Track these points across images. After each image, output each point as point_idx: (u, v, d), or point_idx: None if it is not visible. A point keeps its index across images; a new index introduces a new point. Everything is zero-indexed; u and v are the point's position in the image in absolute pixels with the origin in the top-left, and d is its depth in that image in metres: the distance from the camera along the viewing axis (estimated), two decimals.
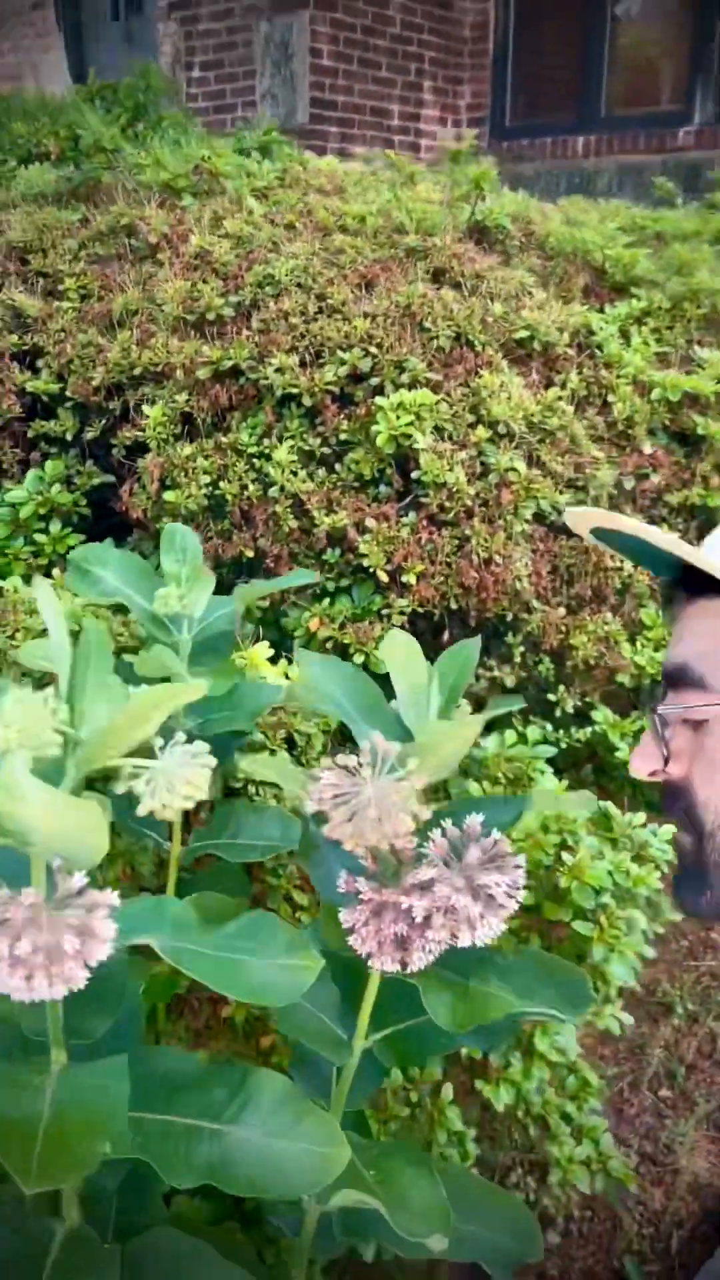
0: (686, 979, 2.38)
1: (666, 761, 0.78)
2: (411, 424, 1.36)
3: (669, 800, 0.80)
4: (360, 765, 0.80)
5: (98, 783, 1.08)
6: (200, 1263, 0.90)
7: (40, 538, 1.55)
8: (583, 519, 0.83)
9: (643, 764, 0.79)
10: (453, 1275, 1.24)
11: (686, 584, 0.79)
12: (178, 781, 0.72)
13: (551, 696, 1.48)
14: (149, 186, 1.89)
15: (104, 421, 1.58)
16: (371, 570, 1.35)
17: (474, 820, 0.86)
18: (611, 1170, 1.57)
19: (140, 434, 1.47)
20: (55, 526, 1.56)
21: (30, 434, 1.64)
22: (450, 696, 0.89)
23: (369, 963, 0.86)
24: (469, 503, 1.37)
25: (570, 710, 1.47)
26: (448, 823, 0.87)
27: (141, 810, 0.73)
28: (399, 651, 0.87)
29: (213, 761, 0.74)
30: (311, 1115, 0.79)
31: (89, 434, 1.58)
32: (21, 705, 0.66)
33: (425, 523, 1.37)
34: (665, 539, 0.71)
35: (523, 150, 5.75)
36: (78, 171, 2.06)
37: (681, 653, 0.76)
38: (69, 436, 1.62)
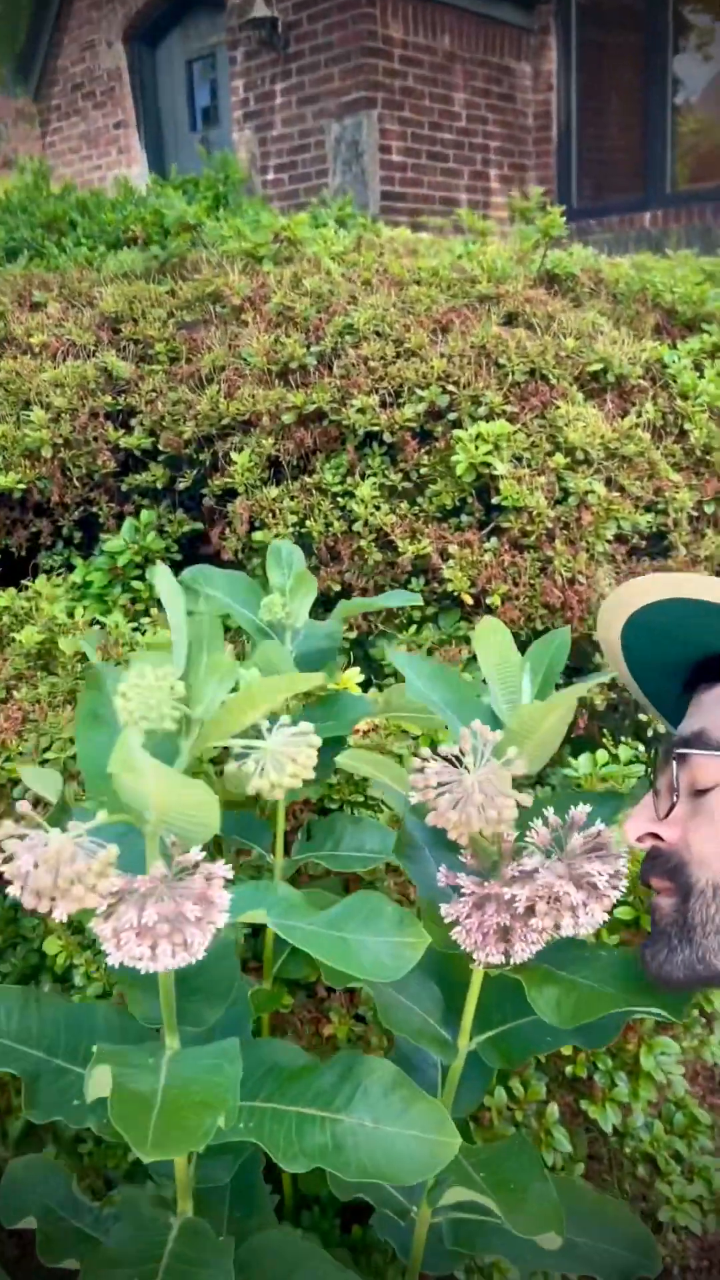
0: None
1: (668, 814, 0.81)
2: (490, 453, 1.40)
3: (650, 864, 0.83)
4: (461, 754, 0.82)
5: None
6: (314, 1266, 0.90)
7: (137, 584, 1.62)
8: (641, 592, 0.86)
9: (638, 827, 0.83)
10: None
11: (711, 674, 0.85)
12: (285, 761, 0.75)
13: (642, 717, 1.48)
14: (231, 256, 1.99)
15: (195, 472, 1.65)
16: (456, 595, 1.38)
17: (578, 809, 0.87)
18: None
19: (229, 480, 1.54)
20: (150, 573, 1.62)
21: (124, 488, 1.71)
22: (543, 685, 0.90)
23: (473, 956, 0.87)
24: (549, 525, 1.40)
25: (660, 730, 1.47)
26: (549, 811, 0.88)
27: (250, 789, 0.76)
28: (490, 639, 0.89)
29: (318, 741, 0.77)
30: (421, 1101, 0.80)
31: (181, 484, 1.65)
32: (142, 681, 0.70)
33: (507, 547, 1.40)
34: None
35: (590, 229, 5.89)
36: (163, 250, 2.18)
37: (699, 722, 0.82)
38: (160, 487, 1.69)
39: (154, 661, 0.70)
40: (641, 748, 1.48)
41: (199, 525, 1.66)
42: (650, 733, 1.48)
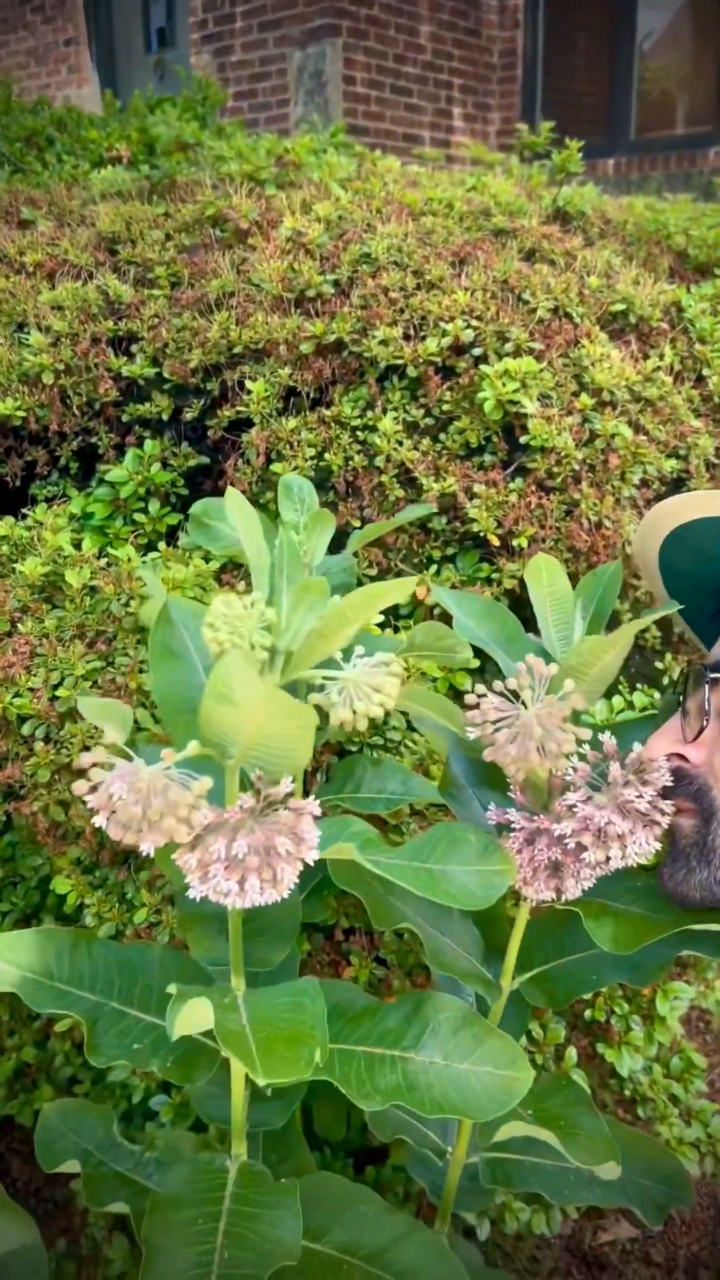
0: None
1: (697, 736, 0.81)
2: (518, 390, 1.36)
3: (674, 785, 0.82)
4: (519, 689, 0.80)
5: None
6: (364, 1206, 0.89)
7: (140, 517, 1.56)
8: (672, 513, 0.86)
9: (664, 746, 0.83)
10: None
11: None
12: (369, 690, 0.73)
13: (659, 664, 1.47)
14: (232, 179, 1.92)
15: (202, 402, 1.59)
16: (481, 535, 1.35)
17: (608, 739, 0.86)
18: None
19: (242, 410, 1.49)
20: (155, 506, 1.57)
21: (125, 418, 1.65)
22: (595, 619, 0.88)
23: (523, 893, 0.85)
24: (576, 467, 1.37)
25: (676, 677, 1.47)
26: (586, 747, 0.87)
27: (334, 721, 0.73)
28: (543, 573, 0.87)
29: (400, 669, 0.74)
30: (493, 1038, 0.79)
31: (187, 415, 1.60)
32: (229, 609, 0.67)
33: (533, 488, 1.37)
34: None
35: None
36: (155, 170, 2.09)
37: None
38: (164, 418, 1.63)
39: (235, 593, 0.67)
40: (657, 695, 1.48)
41: (204, 459, 1.61)
42: (665, 680, 1.47)
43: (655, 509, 0.86)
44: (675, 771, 0.82)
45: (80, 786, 0.64)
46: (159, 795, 0.64)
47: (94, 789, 0.64)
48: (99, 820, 0.64)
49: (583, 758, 0.84)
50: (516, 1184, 1.00)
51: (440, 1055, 0.79)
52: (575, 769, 0.83)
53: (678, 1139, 1.50)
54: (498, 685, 0.81)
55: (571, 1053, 1.28)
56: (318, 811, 0.69)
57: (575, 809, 0.81)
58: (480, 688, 0.82)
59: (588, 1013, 1.29)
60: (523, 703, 0.79)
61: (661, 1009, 1.31)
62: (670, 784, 0.80)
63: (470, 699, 0.80)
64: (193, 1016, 0.66)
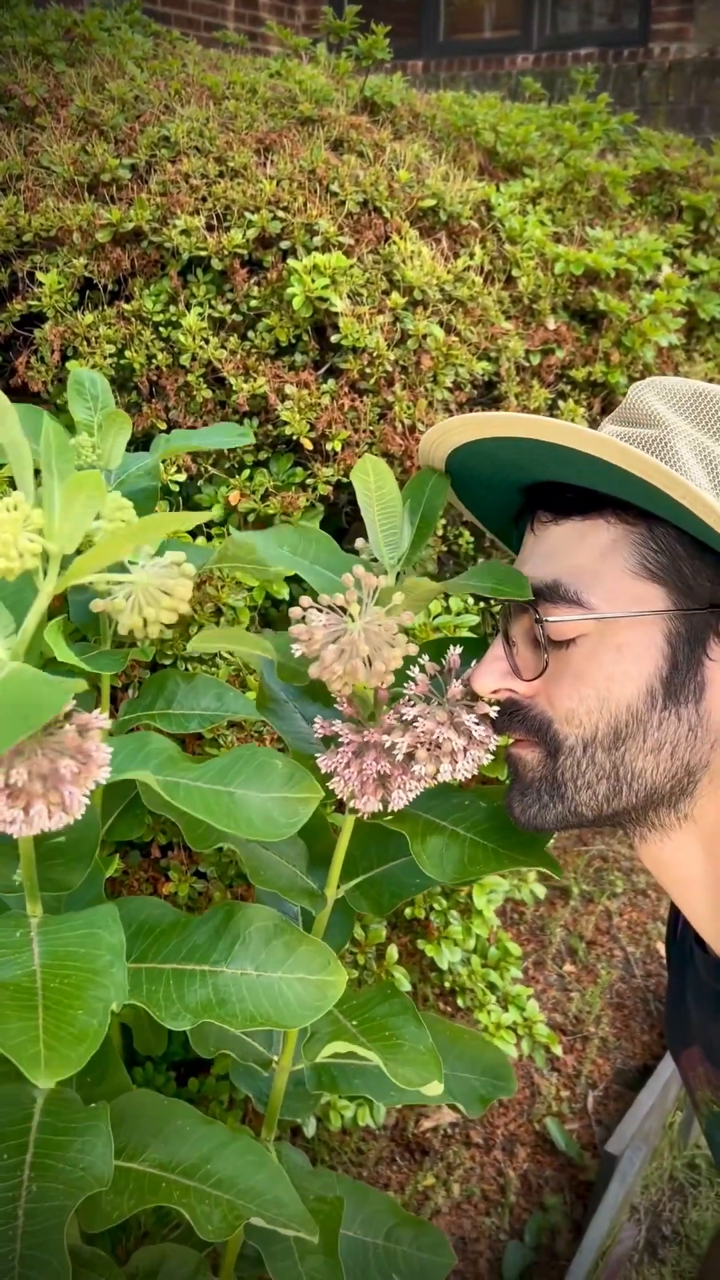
0: (579, 862, 2.46)
1: (541, 674, 0.77)
2: (327, 287, 1.31)
3: (508, 718, 0.80)
4: (347, 601, 0.77)
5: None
6: (181, 1120, 0.87)
7: None
8: (456, 430, 0.80)
9: (491, 680, 0.79)
10: None
11: (549, 505, 0.79)
12: (159, 594, 0.68)
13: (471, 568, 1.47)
14: (16, 52, 1.76)
15: None
16: (294, 439, 1.31)
17: (453, 653, 0.85)
18: (537, 1035, 1.62)
19: (34, 305, 1.38)
20: None
21: None
22: (423, 525, 0.86)
23: (350, 805, 0.84)
24: (389, 369, 1.34)
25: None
26: (425, 658, 0.86)
27: (123, 627, 0.68)
28: (370, 476, 0.83)
29: (193, 571, 0.70)
30: (305, 944, 0.78)
31: None
32: None
33: (346, 390, 1.33)
34: (641, 456, 0.66)
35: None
36: None
37: (551, 570, 0.76)
38: None
39: None
40: (471, 599, 1.48)
41: None
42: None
43: (438, 426, 0.82)
44: (509, 704, 0.80)
45: None
46: None
47: None
48: None
49: (422, 669, 0.82)
50: (343, 1089, 1.00)
51: (252, 966, 0.77)
52: (416, 681, 0.81)
53: (495, 1024, 1.56)
54: (324, 599, 0.78)
55: (392, 950, 1.30)
56: (105, 725, 0.65)
57: (415, 723, 0.79)
58: (305, 600, 0.78)
59: (408, 910, 1.31)
60: (350, 616, 0.76)
61: (479, 902, 1.35)
62: (494, 715, 0.79)
63: (295, 613, 0.77)
64: None
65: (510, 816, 0.81)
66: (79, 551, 0.63)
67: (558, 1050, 1.65)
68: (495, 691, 0.80)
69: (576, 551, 0.77)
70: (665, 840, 0.79)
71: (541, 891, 1.72)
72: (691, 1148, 1.87)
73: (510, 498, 0.87)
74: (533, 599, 0.76)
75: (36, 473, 0.65)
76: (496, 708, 0.80)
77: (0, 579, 0.60)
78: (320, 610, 0.77)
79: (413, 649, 0.76)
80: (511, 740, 0.82)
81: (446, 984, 1.56)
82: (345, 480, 1.32)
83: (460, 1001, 1.58)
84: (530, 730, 0.79)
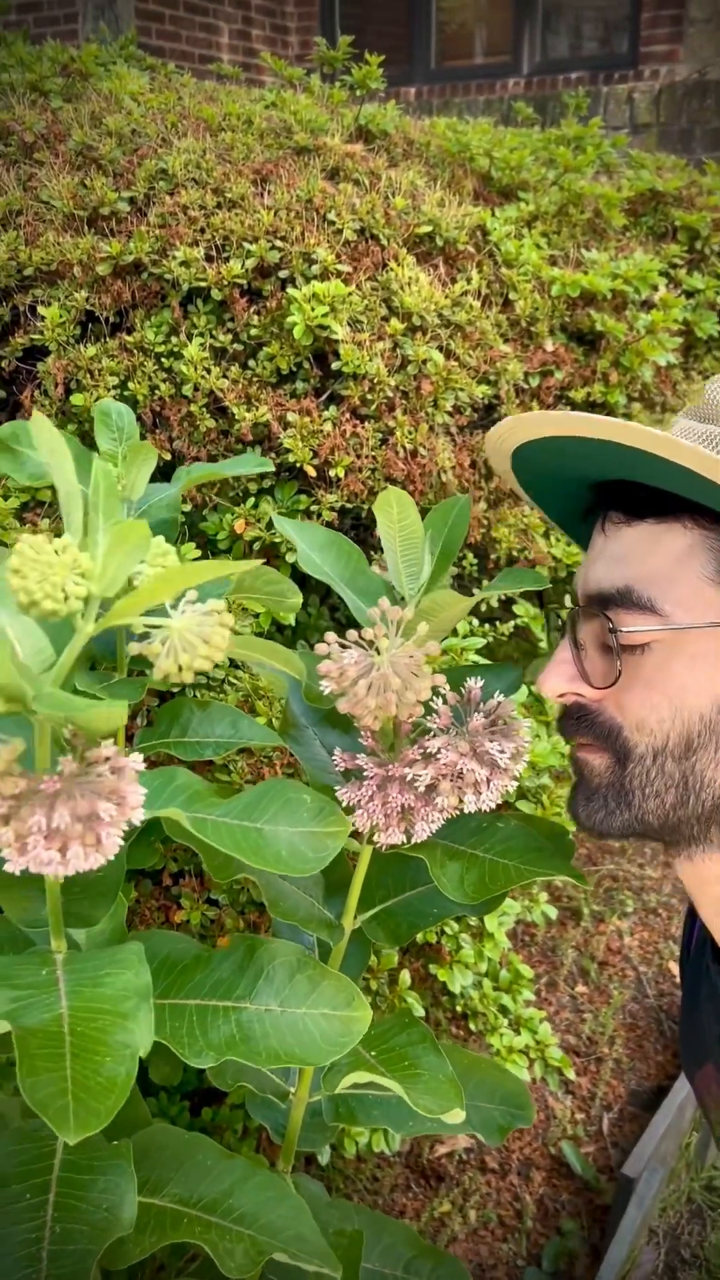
0: (589, 883, 2.45)
1: (614, 682, 0.75)
2: (328, 314, 1.32)
3: (575, 722, 0.79)
4: (375, 636, 0.77)
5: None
6: (202, 1155, 0.87)
7: None
8: (528, 425, 0.77)
9: (559, 683, 0.78)
10: None
11: (622, 505, 0.77)
12: (197, 641, 0.68)
13: (476, 591, 1.48)
14: (14, 89, 1.77)
15: None
16: (297, 466, 1.31)
17: (474, 684, 0.85)
18: (550, 1058, 1.61)
19: (37, 338, 1.39)
20: None
21: None
22: (444, 556, 0.86)
23: (374, 838, 0.84)
24: (390, 394, 1.35)
25: (495, 604, 1.48)
26: (446, 689, 0.85)
27: (157, 673, 0.68)
28: (393, 507, 0.84)
29: (231, 620, 0.70)
30: (328, 979, 0.77)
31: None
32: (39, 555, 0.61)
33: (348, 416, 1.34)
34: (691, 448, 0.65)
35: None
36: None
37: (623, 574, 0.75)
38: None
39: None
40: (476, 622, 1.49)
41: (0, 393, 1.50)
42: (485, 608, 1.49)
43: (498, 426, 0.80)
44: (575, 707, 0.78)
45: None
46: None
47: None
48: None
49: (444, 699, 0.82)
50: (361, 1120, 1.00)
51: (276, 1002, 0.76)
52: (438, 713, 0.81)
53: (508, 1048, 1.55)
54: (351, 635, 0.78)
55: (405, 976, 1.29)
56: (141, 766, 0.65)
57: (438, 754, 0.79)
58: (331, 636, 0.78)
59: (420, 936, 1.31)
60: (376, 649, 0.76)
61: (490, 925, 1.34)
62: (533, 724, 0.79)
63: (321, 649, 0.77)
64: None
65: (573, 819, 0.80)
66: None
67: (571, 1074, 1.64)
68: (561, 695, 0.78)
69: (650, 556, 0.74)
70: (712, 857, 0.78)
71: (553, 913, 1.72)
72: (709, 1169, 1.85)
73: (579, 492, 0.84)
74: (604, 604, 0.75)
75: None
76: (527, 736, 0.80)
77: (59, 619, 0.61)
78: (346, 645, 0.77)
79: (440, 679, 0.76)
80: (575, 743, 0.81)
81: (459, 1008, 1.55)
82: (349, 506, 1.33)
83: (473, 1025, 1.57)
84: (598, 736, 0.77)
